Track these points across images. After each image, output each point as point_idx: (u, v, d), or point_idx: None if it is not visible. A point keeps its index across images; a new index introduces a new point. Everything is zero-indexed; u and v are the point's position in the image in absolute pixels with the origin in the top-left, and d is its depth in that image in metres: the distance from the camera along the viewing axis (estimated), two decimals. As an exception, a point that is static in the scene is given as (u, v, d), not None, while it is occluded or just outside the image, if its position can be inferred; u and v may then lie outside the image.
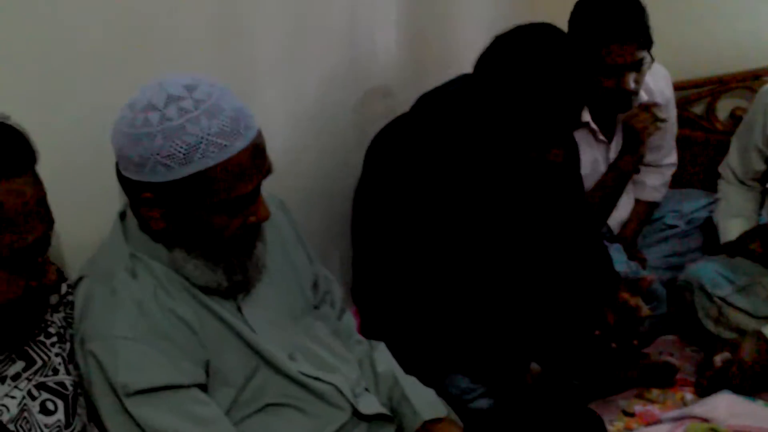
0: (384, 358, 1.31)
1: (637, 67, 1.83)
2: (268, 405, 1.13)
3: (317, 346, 1.20)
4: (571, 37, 1.80)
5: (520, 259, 1.53)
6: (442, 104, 1.45)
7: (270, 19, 1.49)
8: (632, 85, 1.83)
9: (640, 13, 1.81)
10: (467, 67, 1.41)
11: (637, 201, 2.21)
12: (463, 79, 1.45)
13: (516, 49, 1.31)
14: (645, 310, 1.63)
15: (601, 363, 1.71)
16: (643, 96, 1.97)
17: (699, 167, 2.37)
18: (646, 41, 1.81)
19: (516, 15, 2.23)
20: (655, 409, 1.71)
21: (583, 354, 1.66)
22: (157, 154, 0.96)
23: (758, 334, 1.72)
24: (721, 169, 2.09)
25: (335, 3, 1.67)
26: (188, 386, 1.04)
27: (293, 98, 1.60)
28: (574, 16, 1.87)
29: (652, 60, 1.85)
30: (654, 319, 1.77)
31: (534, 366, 1.54)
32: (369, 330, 1.47)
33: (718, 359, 1.73)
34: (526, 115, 1.30)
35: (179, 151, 0.96)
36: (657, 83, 2.05)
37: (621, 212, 2.16)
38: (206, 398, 1.06)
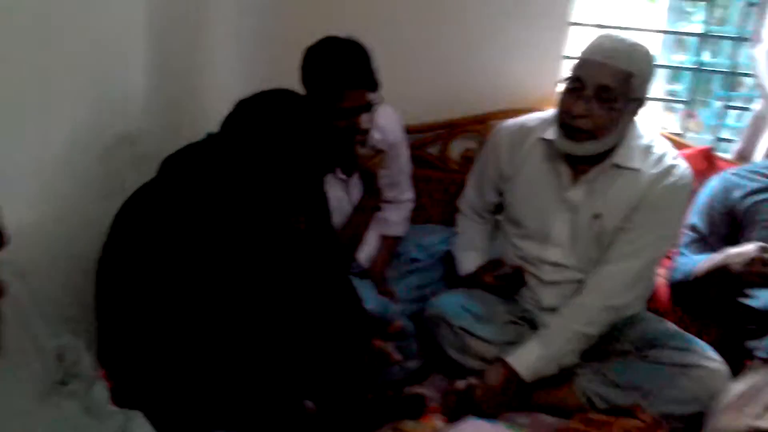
0: (141, 429, 1.25)
1: (368, 108, 1.94)
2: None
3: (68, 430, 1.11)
4: (307, 86, 1.92)
5: (277, 308, 1.54)
6: (188, 168, 1.45)
7: (5, 59, 1.36)
8: (365, 124, 1.94)
9: (367, 60, 1.92)
10: (221, 114, 1.42)
11: (383, 237, 2.32)
12: (208, 140, 1.48)
13: (257, 116, 1.36)
14: (396, 355, 1.71)
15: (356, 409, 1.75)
16: (376, 135, 2.09)
17: (436, 204, 2.56)
18: (374, 84, 1.93)
19: (270, 71, 2.30)
20: (410, 440, 1.80)
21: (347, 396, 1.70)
22: None
23: (501, 361, 1.87)
24: (459, 203, 2.26)
25: (80, 43, 1.55)
26: None
27: (35, 146, 1.47)
28: (307, 66, 1.94)
29: (381, 101, 1.97)
30: (406, 370, 1.87)
31: (308, 404, 1.56)
32: (122, 396, 1.39)
33: (461, 384, 1.87)
34: (267, 180, 1.36)
35: None
36: (389, 123, 2.18)
37: (369, 248, 2.26)
38: None
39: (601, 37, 1.86)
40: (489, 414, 1.82)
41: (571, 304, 1.92)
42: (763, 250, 1.81)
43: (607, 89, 1.78)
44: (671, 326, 1.95)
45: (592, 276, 1.93)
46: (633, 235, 1.90)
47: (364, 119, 1.93)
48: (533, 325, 2.02)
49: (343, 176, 2.09)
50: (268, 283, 1.51)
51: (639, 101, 1.86)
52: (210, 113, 1.53)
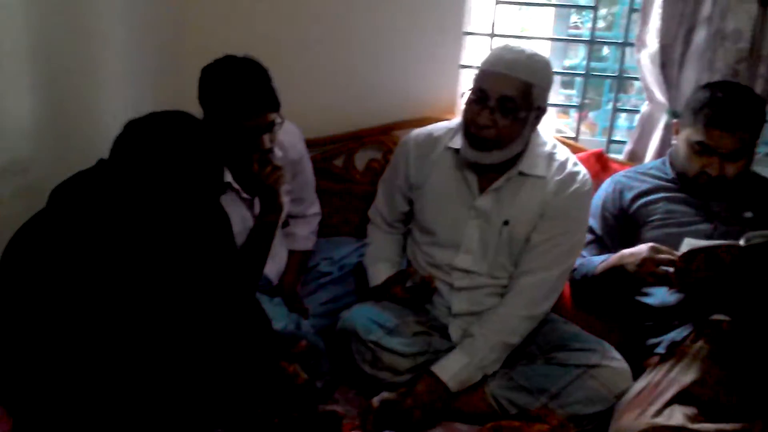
0: None
1: (270, 128, 1.92)
2: None
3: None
4: (204, 107, 1.90)
5: (178, 334, 1.50)
6: (79, 197, 1.41)
7: None
8: (268, 144, 1.92)
9: (265, 81, 1.91)
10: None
11: (292, 252, 2.31)
12: (99, 166, 1.45)
13: (146, 139, 1.36)
14: (302, 376, 1.70)
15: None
16: (278, 153, 2.07)
17: (344, 216, 2.56)
18: (274, 105, 1.92)
19: (165, 92, 2.24)
20: (327, 459, 1.78)
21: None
22: None
23: (429, 372, 1.89)
24: (370, 213, 2.26)
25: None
26: None
27: None
28: (204, 89, 1.91)
29: (282, 120, 1.96)
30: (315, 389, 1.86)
31: None
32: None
33: (376, 400, 1.87)
34: (158, 204, 1.35)
35: None
36: (290, 140, 2.17)
37: (277, 264, 2.24)
38: None
39: (501, 48, 1.90)
40: (416, 425, 1.84)
41: (492, 314, 1.96)
42: (654, 250, 1.89)
43: (510, 100, 1.83)
44: (576, 328, 2.01)
45: (512, 287, 1.98)
46: (547, 245, 1.96)
47: (266, 139, 1.91)
48: (444, 334, 2.04)
49: (246, 195, 2.05)
50: (167, 308, 1.47)
51: (540, 110, 1.91)
52: (102, 137, 1.48)
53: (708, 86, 2.06)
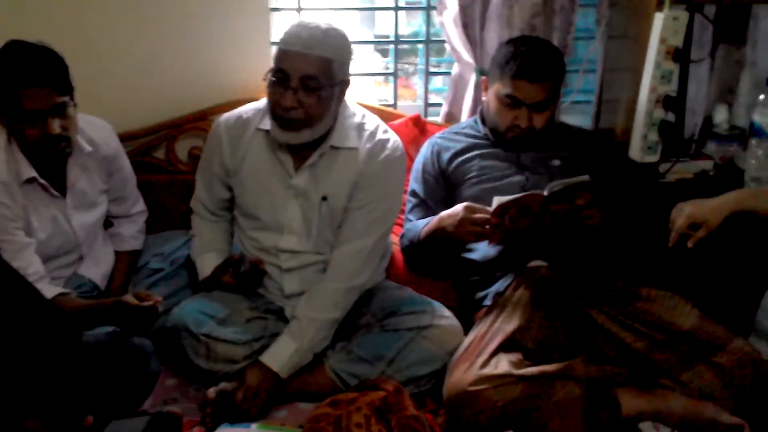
0: None
1: (59, 111, 1.82)
2: None
3: None
4: None
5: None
6: None
7: None
8: (57, 129, 1.82)
9: (50, 60, 1.81)
10: None
11: (119, 253, 2.21)
12: None
13: None
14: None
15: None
16: (87, 148, 1.98)
17: (170, 208, 2.46)
18: (59, 85, 1.81)
19: None
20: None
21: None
22: None
23: (257, 362, 1.87)
24: (192, 204, 2.19)
25: None
26: None
27: None
28: None
29: (75, 104, 1.87)
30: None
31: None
32: None
33: (212, 392, 1.83)
34: None
35: None
36: (101, 135, 2.07)
37: (103, 268, 2.14)
38: None
39: (296, 26, 1.87)
40: (252, 416, 1.81)
41: (314, 293, 1.95)
42: (468, 210, 1.95)
43: (312, 78, 1.82)
44: (408, 292, 2.05)
45: (331, 260, 1.98)
46: (360, 213, 1.96)
47: (53, 123, 1.81)
48: (281, 316, 2.02)
49: (57, 193, 1.94)
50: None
51: (344, 83, 1.91)
52: None
53: (510, 42, 2.14)
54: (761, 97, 2.28)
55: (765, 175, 2.22)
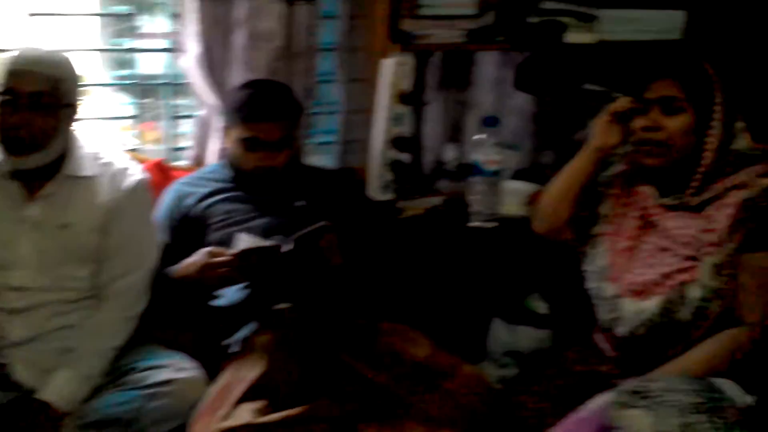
0: None
1: None
2: None
3: None
4: None
5: None
6: None
7: None
8: None
9: None
10: None
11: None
12: None
13: None
14: None
15: None
16: None
17: None
18: None
19: None
20: None
21: None
22: None
23: (34, 401, 1.73)
24: None
25: None
26: None
27: None
28: None
29: None
30: None
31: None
32: None
33: None
34: None
35: None
36: None
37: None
38: None
39: (20, 49, 1.84)
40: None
41: (93, 324, 1.87)
42: (209, 255, 1.91)
43: (41, 95, 1.78)
44: (146, 346, 1.95)
45: (106, 294, 1.91)
46: (128, 245, 1.92)
47: None
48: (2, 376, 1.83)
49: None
50: None
51: (72, 107, 1.88)
52: None
53: (241, 87, 2.17)
54: (477, 137, 2.49)
55: (485, 210, 2.43)
